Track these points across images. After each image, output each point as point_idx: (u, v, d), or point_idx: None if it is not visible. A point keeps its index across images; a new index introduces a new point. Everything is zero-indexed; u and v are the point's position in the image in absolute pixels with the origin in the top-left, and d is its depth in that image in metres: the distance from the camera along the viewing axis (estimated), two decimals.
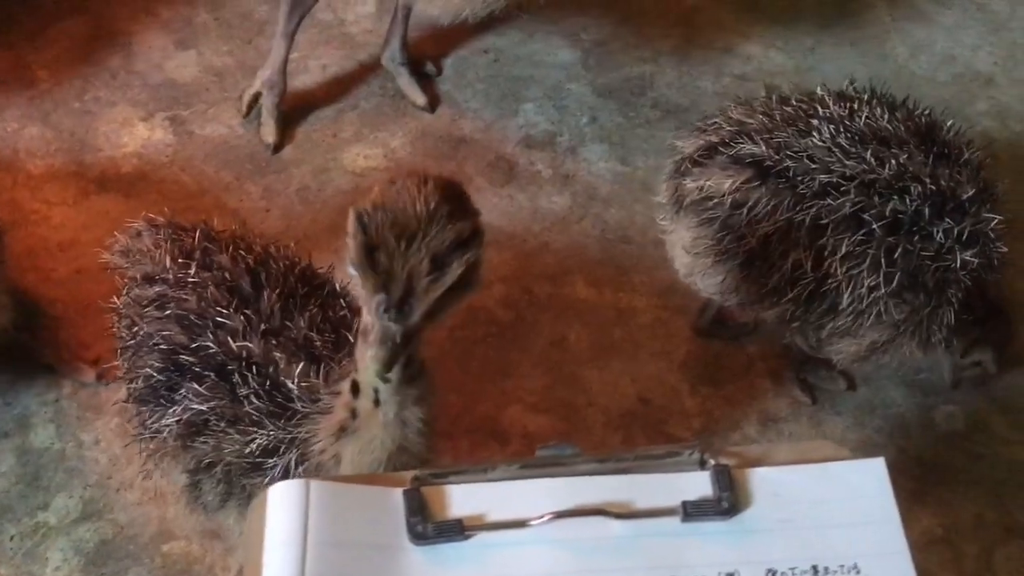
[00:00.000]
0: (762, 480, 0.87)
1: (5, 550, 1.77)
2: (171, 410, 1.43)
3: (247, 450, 1.38)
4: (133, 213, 2.09)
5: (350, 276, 1.16)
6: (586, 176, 2.30)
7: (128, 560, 1.77)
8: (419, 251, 1.09)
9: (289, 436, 1.35)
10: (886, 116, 1.74)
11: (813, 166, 1.68)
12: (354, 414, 1.25)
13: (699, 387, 2.03)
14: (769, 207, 1.68)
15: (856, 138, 1.70)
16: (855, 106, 1.75)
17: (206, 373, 1.41)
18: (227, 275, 1.50)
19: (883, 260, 1.66)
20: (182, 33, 2.44)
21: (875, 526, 0.84)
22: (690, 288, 2.13)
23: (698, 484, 0.87)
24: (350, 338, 1.41)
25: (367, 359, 1.15)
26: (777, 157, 1.69)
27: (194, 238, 1.59)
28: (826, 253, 1.68)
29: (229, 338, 1.42)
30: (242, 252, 1.55)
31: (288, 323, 1.44)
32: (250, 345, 1.41)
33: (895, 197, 1.67)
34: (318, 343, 1.42)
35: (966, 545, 1.85)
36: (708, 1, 2.55)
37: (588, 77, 2.44)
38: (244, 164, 2.24)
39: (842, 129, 1.71)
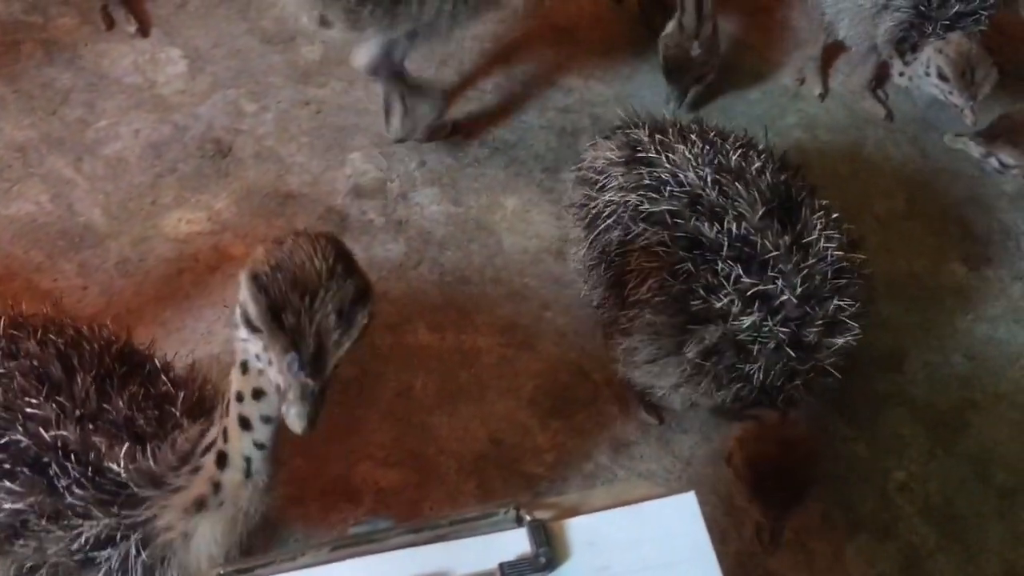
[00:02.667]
0: (578, 530, 0.86)
1: None
2: None
3: (74, 546, 1.30)
4: None
5: (243, 338, 1.14)
6: (419, 220, 2.28)
7: None
8: (325, 307, 1.09)
9: (126, 522, 1.29)
10: (766, 170, 1.82)
11: (665, 165, 1.83)
12: (217, 488, 1.21)
13: (549, 421, 2.03)
14: (617, 183, 1.85)
15: (718, 165, 1.82)
16: (745, 150, 1.86)
17: (18, 469, 1.33)
18: (35, 362, 1.42)
19: (667, 268, 1.74)
20: None
21: (689, 563, 0.84)
22: (532, 323, 2.16)
23: (516, 542, 0.86)
24: (175, 413, 1.37)
25: (288, 413, 1.12)
26: (650, 147, 1.86)
27: None
28: (630, 240, 1.80)
29: (41, 428, 1.34)
30: (52, 336, 1.47)
31: (106, 405, 1.38)
32: (65, 433, 1.33)
33: (706, 220, 1.74)
34: (141, 422, 1.36)
35: (816, 544, 1.91)
36: (527, 37, 2.59)
37: None
38: (56, 241, 2.12)
39: (715, 154, 1.84)
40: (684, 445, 2.00)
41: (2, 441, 1.35)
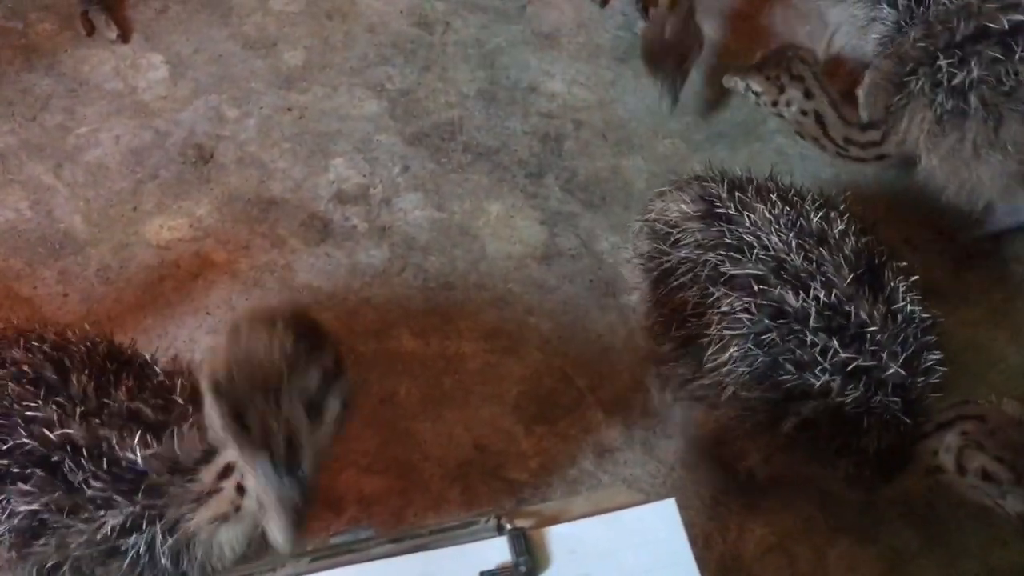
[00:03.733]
0: (558, 538, 0.86)
1: None
2: None
3: (98, 536, 1.30)
4: None
5: (220, 440, 1.11)
6: (403, 226, 2.27)
7: None
8: (291, 402, 1.04)
9: (150, 511, 1.29)
10: (848, 233, 1.74)
11: (746, 224, 1.72)
12: (238, 509, 1.21)
13: (533, 427, 2.03)
14: (692, 239, 1.75)
15: (800, 227, 1.72)
16: (827, 211, 1.76)
17: (29, 471, 1.33)
18: (25, 368, 1.42)
19: (752, 337, 1.64)
20: None
21: (669, 569, 0.84)
22: (516, 329, 2.16)
23: (496, 551, 0.86)
24: (178, 400, 1.36)
25: (269, 528, 1.08)
26: (729, 204, 1.76)
27: None
28: (710, 302, 1.69)
29: (44, 430, 1.34)
30: (35, 343, 1.47)
31: (106, 400, 1.38)
32: (70, 431, 1.33)
33: (791, 287, 1.65)
34: (147, 410, 1.36)
35: (799, 549, 1.91)
36: (509, 43, 2.59)
37: (397, 127, 2.43)
38: (36, 249, 2.10)
39: (796, 216, 1.74)
40: (668, 450, 2.00)
41: (6, 447, 1.34)
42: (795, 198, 1.79)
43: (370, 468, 1.95)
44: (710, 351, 1.69)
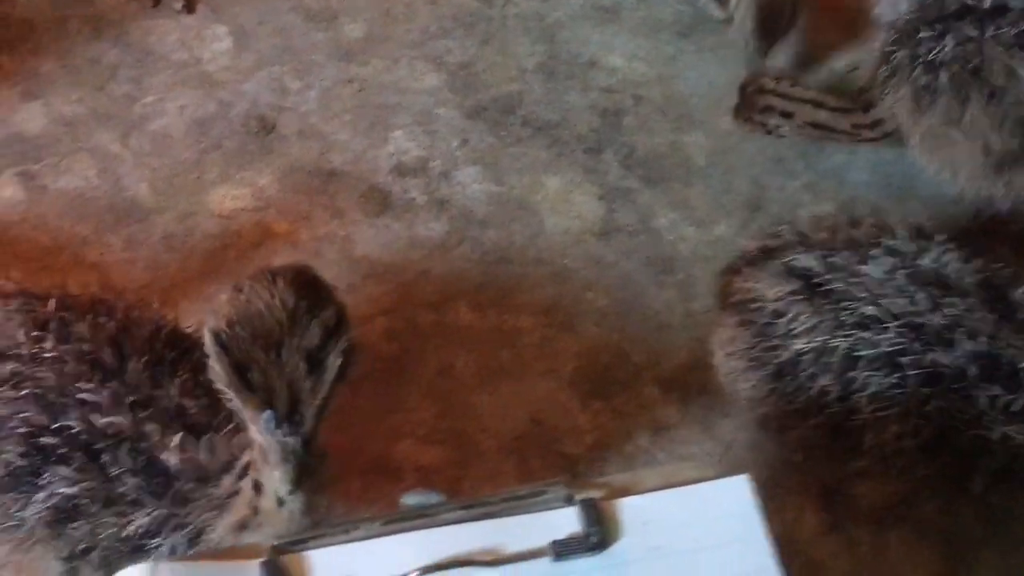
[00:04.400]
0: (630, 510, 0.85)
1: None
2: (36, 496, 1.33)
3: (125, 533, 1.30)
4: None
5: (224, 393, 1.10)
6: (461, 200, 2.28)
7: None
8: (292, 356, 1.04)
9: (174, 520, 1.28)
10: (957, 262, 1.64)
11: (861, 295, 1.60)
12: (256, 511, 1.19)
13: (589, 402, 2.03)
14: (808, 324, 1.61)
15: (916, 277, 1.60)
16: (926, 245, 1.67)
17: (72, 454, 1.33)
18: (87, 346, 1.41)
19: (914, 411, 1.55)
20: (27, 84, 2.33)
21: (742, 545, 0.83)
22: (572, 304, 2.16)
23: (567, 521, 0.86)
24: (224, 403, 1.33)
25: (274, 479, 1.08)
26: (828, 276, 1.63)
27: (49, 307, 1.49)
28: (854, 387, 1.59)
29: (94, 415, 1.34)
30: (102, 319, 1.46)
31: (158, 392, 1.37)
32: (118, 420, 1.33)
33: (939, 347, 1.55)
34: (193, 410, 1.35)
35: (858, 532, 1.88)
36: (569, 17, 2.57)
37: (456, 100, 2.43)
38: (103, 216, 2.14)
39: (904, 264, 1.63)
40: (725, 429, 1.99)
41: (55, 426, 1.35)
42: (886, 238, 1.66)
43: (427, 438, 1.96)
44: (868, 436, 1.59)
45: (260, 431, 1.06)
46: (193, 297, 2.03)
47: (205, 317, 1.15)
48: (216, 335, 1.06)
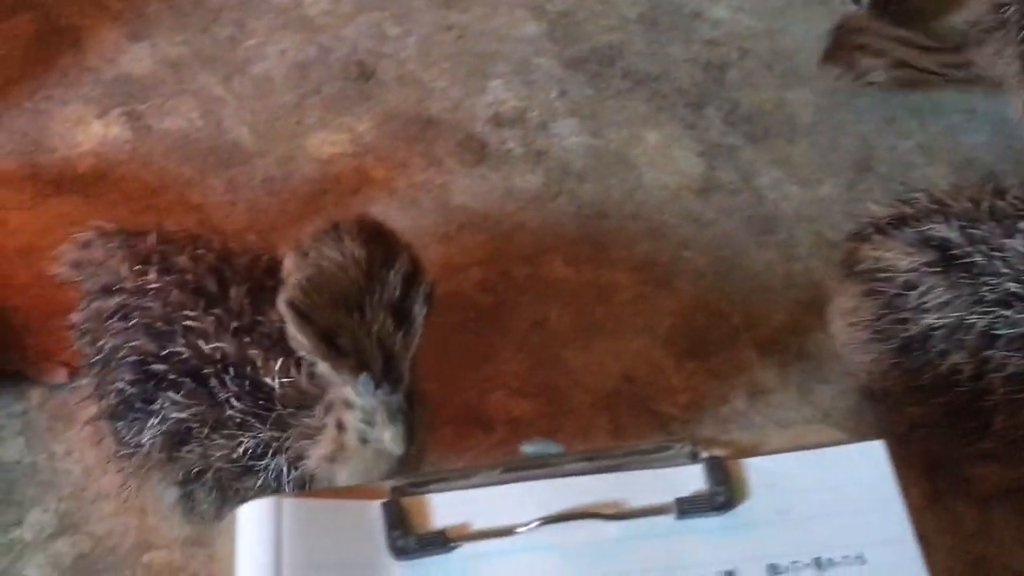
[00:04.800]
0: (757, 470, 0.83)
1: None
2: (150, 422, 1.37)
3: (234, 455, 1.32)
4: (93, 214, 2.04)
5: (312, 362, 1.08)
6: (559, 152, 2.24)
7: (108, 573, 1.72)
8: (377, 312, 1.01)
9: (275, 443, 1.30)
10: None
11: (1004, 270, 1.49)
12: (341, 446, 1.19)
13: (684, 362, 1.99)
14: (942, 299, 1.51)
15: None
16: None
17: (181, 380, 1.35)
18: (189, 276, 1.44)
19: None
20: (134, 24, 2.35)
21: (877, 513, 0.80)
22: (669, 261, 2.12)
23: (691, 478, 0.83)
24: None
25: (385, 439, 1.07)
26: (968, 249, 1.52)
27: (149, 243, 1.53)
28: (989, 367, 1.50)
29: (200, 341, 1.35)
30: (201, 251, 1.49)
31: (260, 318, 1.37)
32: (223, 345, 1.34)
33: None
34: None
35: (962, 507, 1.83)
36: None
37: (555, 50, 2.38)
38: (206, 157, 2.17)
39: None
40: (825, 395, 1.94)
41: (164, 353, 1.37)
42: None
43: (520, 391, 1.95)
44: (1000, 417, 1.51)
45: (358, 395, 1.04)
46: (291, 240, 2.04)
47: (280, 286, 1.11)
48: (294, 306, 1.02)
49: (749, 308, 2.05)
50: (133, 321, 1.41)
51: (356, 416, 1.14)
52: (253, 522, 0.80)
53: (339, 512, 0.81)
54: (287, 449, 1.28)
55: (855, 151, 2.25)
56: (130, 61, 2.29)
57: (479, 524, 0.81)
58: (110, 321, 1.45)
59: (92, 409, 1.55)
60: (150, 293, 1.42)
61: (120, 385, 1.40)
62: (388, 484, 0.84)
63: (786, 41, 2.40)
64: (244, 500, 1.30)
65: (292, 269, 1.05)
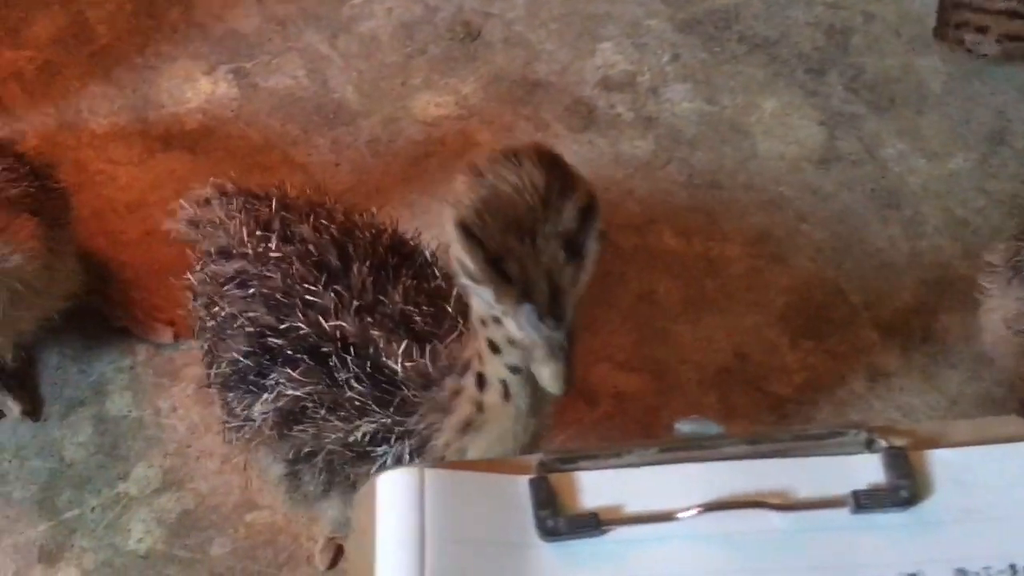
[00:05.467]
0: (943, 464, 0.75)
1: (87, 522, 1.73)
2: (263, 397, 1.30)
3: (351, 438, 1.25)
4: (200, 171, 2.04)
5: (465, 290, 1.01)
6: (670, 118, 2.15)
7: (211, 530, 1.72)
8: (549, 244, 0.92)
9: (398, 428, 1.23)
10: None
11: None
12: (480, 407, 1.12)
13: (799, 340, 1.90)
14: None
15: None
16: None
17: (299, 356, 1.28)
18: (311, 248, 1.36)
19: None
20: None
21: None
22: (785, 235, 2.02)
23: (867, 469, 0.76)
24: (448, 310, 1.28)
25: (542, 377, 0.98)
26: None
27: (270, 207, 1.46)
28: None
29: (321, 317, 1.28)
30: (324, 221, 1.41)
31: (382, 298, 1.29)
32: (344, 324, 1.27)
33: None
34: (417, 318, 1.28)
35: None
36: None
37: (668, 12, 2.28)
38: (311, 116, 2.14)
39: None
40: (951, 381, 1.83)
41: (283, 327, 1.30)
42: None
43: (626, 364, 1.89)
44: None
45: (521, 326, 0.95)
46: (396, 202, 2.01)
47: (440, 209, 1.05)
48: (464, 226, 0.93)
49: (870, 286, 1.94)
50: (251, 290, 1.35)
51: (501, 364, 1.07)
52: (394, 492, 0.75)
53: (484, 485, 0.76)
54: (411, 434, 1.21)
55: (989, 123, 2.11)
56: (238, 18, 2.26)
57: (633, 507, 0.75)
58: (227, 287, 1.38)
59: (199, 372, 1.52)
60: (271, 262, 1.35)
61: (234, 355, 1.34)
62: (534, 458, 0.78)
63: (915, 5, 2.26)
64: (354, 485, 1.26)
65: (464, 190, 0.94)
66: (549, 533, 0.76)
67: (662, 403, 1.86)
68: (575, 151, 2.11)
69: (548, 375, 0.96)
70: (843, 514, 0.74)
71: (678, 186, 2.08)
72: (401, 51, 2.23)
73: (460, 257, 0.96)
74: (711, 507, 0.74)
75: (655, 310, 1.95)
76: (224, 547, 1.70)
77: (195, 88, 2.17)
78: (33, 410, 1.81)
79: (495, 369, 1.09)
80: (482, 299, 1.00)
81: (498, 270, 0.94)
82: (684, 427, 0.79)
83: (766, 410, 1.84)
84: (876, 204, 2.04)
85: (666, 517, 0.75)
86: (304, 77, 2.19)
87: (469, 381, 1.13)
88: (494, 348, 1.07)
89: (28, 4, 2.24)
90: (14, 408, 1.80)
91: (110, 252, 1.96)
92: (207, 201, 1.53)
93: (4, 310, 1.53)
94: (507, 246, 0.93)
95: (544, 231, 0.93)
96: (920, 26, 2.23)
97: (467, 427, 1.15)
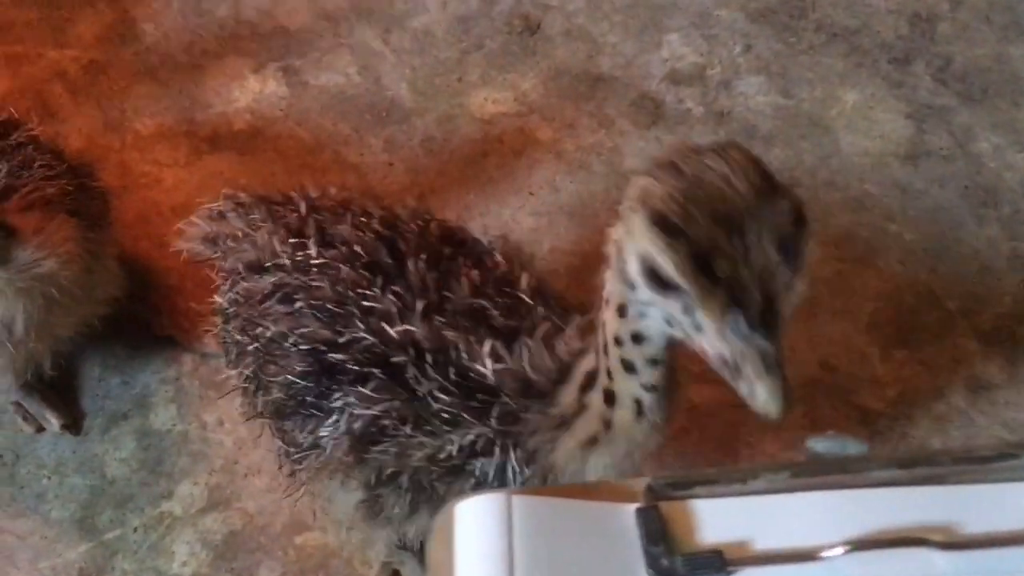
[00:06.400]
0: None
1: (129, 543, 1.63)
2: (329, 420, 1.18)
3: (441, 454, 1.13)
4: (248, 172, 1.94)
5: (643, 300, 0.90)
6: (743, 112, 2.02)
7: (259, 553, 1.61)
8: (761, 243, 0.82)
9: (502, 439, 1.11)
10: None
11: None
12: (608, 425, 1.02)
13: (891, 350, 1.75)
14: None
15: None
16: None
17: (367, 370, 1.15)
18: (358, 249, 1.22)
19: None
20: None
21: None
22: (872, 236, 1.87)
23: None
24: (523, 298, 1.16)
25: (756, 394, 0.87)
26: None
27: (299, 211, 1.31)
28: None
29: (384, 324, 1.14)
30: (362, 219, 1.28)
31: (448, 294, 1.17)
32: (412, 328, 1.14)
33: None
34: (493, 312, 1.15)
35: None
36: None
37: (739, 1, 2.15)
38: (363, 115, 2.04)
39: None
40: None
41: (342, 340, 1.17)
42: None
43: (702, 376, 1.72)
44: None
45: (726, 337, 0.85)
46: (453, 205, 1.90)
47: (625, 200, 0.89)
48: (664, 219, 0.82)
49: (968, 291, 1.79)
50: (298, 303, 1.22)
51: (636, 383, 0.98)
52: (476, 521, 0.63)
53: (582, 514, 0.63)
54: (518, 446, 1.09)
55: None
56: (287, 14, 2.17)
57: (764, 543, 0.62)
58: (267, 303, 1.25)
59: (246, 403, 1.35)
60: (314, 270, 1.22)
61: (288, 377, 1.20)
62: (640, 483, 0.65)
63: None
64: (444, 500, 1.12)
65: (662, 177, 0.84)
66: (663, 573, 0.63)
67: (741, 418, 1.70)
68: (642, 148, 1.98)
69: (763, 393, 0.85)
70: (1021, 553, 0.60)
71: None
72: (457, 46, 2.12)
73: (649, 256, 0.84)
74: (861, 544, 0.61)
75: None
76: (273, 571, 1.59)
77: (243, 87, 2.08)
78: (73, 424, 1.72)
79: (628, 387, 1.01)
80: (660, 314, 0.88)
81: (703, 271, 0.82)
82: (818, 446, 0.66)
83: (856, 425, 1.69)
84: (971, 202, 1.88)
85: (806, 556, 0.62)
86: (356, 74, 2.09)
87: (596, 399, 1.04)
88: (629, 368, 0.99)
89: (73, 3, 2.18)
90: (53, 422, 1.71)
91: (155, 257, 1.87)
92: (221, 215, 1.39)
93: (40, 316, 1.44)
94: (716, 242, 0.81)
95: (756, 228, 0.82)
96: (1011, 13, 2.08)
97: (592, 443, 1.04)
